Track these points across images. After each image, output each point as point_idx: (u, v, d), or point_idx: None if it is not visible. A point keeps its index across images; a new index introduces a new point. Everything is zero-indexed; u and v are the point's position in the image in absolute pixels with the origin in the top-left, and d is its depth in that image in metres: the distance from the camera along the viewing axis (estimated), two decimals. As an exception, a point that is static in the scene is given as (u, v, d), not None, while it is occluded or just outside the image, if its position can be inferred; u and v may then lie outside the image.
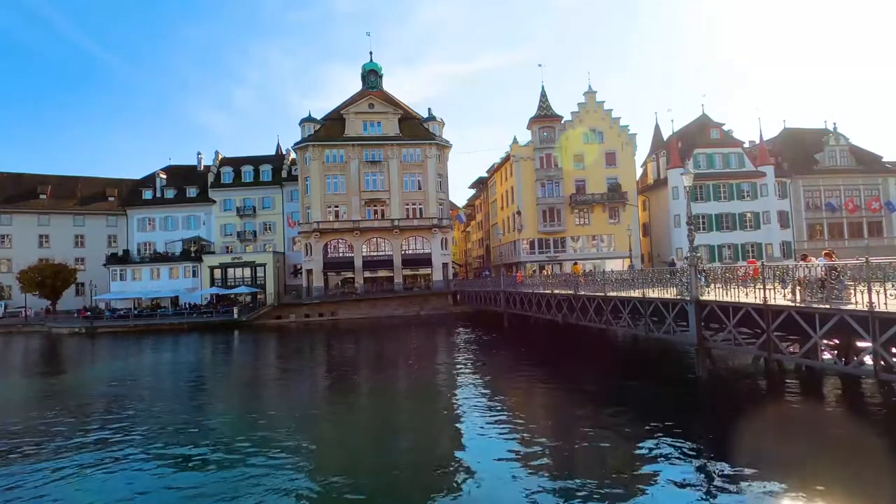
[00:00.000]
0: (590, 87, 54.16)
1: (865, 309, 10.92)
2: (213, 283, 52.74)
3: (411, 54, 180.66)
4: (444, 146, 55.84)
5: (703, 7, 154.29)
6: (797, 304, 12.81)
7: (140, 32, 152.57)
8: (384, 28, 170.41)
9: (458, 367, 23.14)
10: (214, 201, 59.27)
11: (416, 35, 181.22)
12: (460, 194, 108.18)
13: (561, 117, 53.20)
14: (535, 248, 52.78)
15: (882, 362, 10.95)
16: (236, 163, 61.26)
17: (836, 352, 14.29)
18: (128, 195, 62.19)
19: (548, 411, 15.05)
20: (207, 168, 61.88)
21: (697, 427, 12.59)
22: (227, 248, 57.79)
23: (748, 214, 52.50)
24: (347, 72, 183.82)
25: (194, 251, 54.83)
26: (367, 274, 52.58)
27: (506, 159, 57.26)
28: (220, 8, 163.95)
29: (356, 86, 60.89)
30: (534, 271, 48.30)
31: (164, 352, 33.71)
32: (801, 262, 13.88)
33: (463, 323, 40.61)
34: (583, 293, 23.19)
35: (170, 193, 60.03)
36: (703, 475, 9.49)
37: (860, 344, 13.09)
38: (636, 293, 19.64)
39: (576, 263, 30.97)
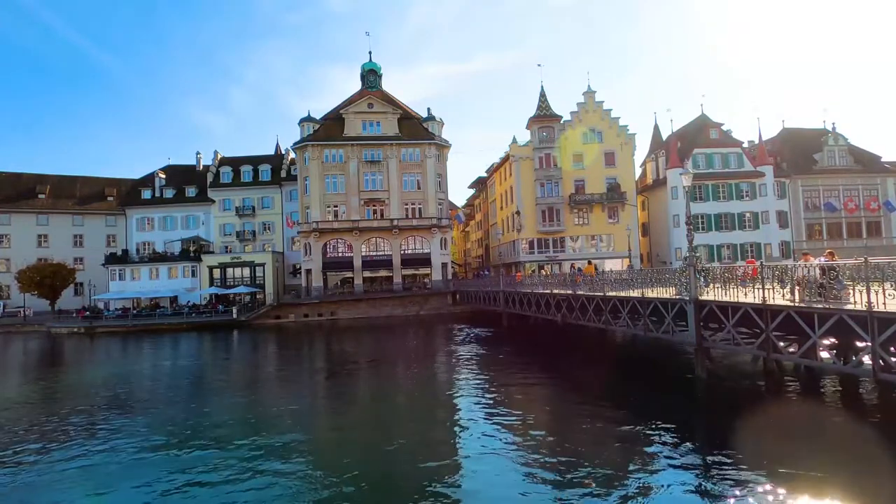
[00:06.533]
0: (589, 87, 54.20)
1: (864, 309, 10.94)
2: (212, 283, 52.68)
3: (407, 55, 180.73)
4: (444, 146, 55.82)
5: (702, 6, 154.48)
6: (796, 304, 12.82)
7: (136, 33, 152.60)
8: (379, 29, 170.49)
9: (458, 367, 23.14)
10: (213, 201, 59.24)
11: (410, 36, 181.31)
12: (460, 194, 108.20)
13: (560, 117, 53.17)
14: (534, 248, 52.77)
15: (880, 362, 10.97)
16: (235, 162, 61.20)
17: (834, 352, 14.31)
18: (127, 195, 62.11)
19: (547, 411, 15.05)
20: (206, 168, 61.81)
21: (696, 427, 12.60)
22: (227, 247, 57.74)
23: (747, 214, 52.50)
24: (343, 73, 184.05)
25: (193, 251, 54.73)
26: (367, 274, 52.56)
27: (505, 159, 57.25)
28: (216, 9, 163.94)
29: (352, 86, 61.22)
30: (533, 271, 48.29)
31: (164, 352, 33.68)
32: (802, 262, 13.89)
33: (462, 323, 40.59)
34: (582, 293, 23.19)
35: (169, 193, 59.97)
36: (701, 475, 9.50)
37: (859, 344, 13.11)
38: (635, 293, 19.65)
39: (589, 263, 31.06)
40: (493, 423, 13.44)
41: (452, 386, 19.39)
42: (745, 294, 14.66)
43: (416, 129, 55.06)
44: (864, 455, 9.78)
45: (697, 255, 18.29)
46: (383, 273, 53.20)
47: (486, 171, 68.27)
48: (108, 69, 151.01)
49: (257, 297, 50.87)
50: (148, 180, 61.65)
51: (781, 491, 8.48)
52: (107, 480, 10.40)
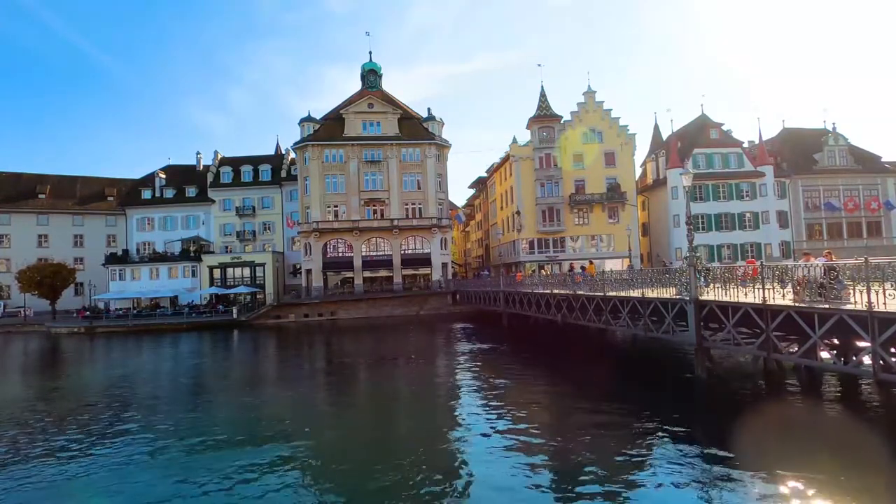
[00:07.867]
0: (589, 87, 54.19)
1: (864, 309, 10.92)
2: (212, 283, 52.72)
3: (407, 55, 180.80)
4: (444, 146, 55.83)
5: (702, 6, 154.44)
6: (796, 304, 12.81)
7: (136, 34, 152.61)
8: (379, 29, 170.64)
9: (458, 367, 23.14)
10: (214, 201, 59.24)
11: (410, 36, 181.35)
12: (460, 194, 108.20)
13: (560, 117, 53.16)
14: (534, 248, 52.77)
15: (881, 362, 10.96)
16: (235, 162, 61.22)
17: (835, 352, 14.29)
18: (127, 195, 62.13)
19: (547, 411, 15.04)
20: (207, 168, 61.82)
21: (696, 427, 12.58)
22: (227, 247, 57.76)
23: (747, 214, 52.49)
24: (343, 73, 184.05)
25: (193, 251, 54.76)
26: (367, 274, 52.57)
27: (505, 159, 57.25)
28: (216, 9, 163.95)
29: (352, 86, 61.36)
30: (533, 271, 48.26)
31: (164, 352, 33.68)
32: (803, 261, 13.88)
33: (462, 323, 40.60)
34: (582, 293, 23.18)
35: (169, 193, 59.99)
36: (701, 475, 9.49)
37: (859, 344, 13.10)
38: (635, 293, 19.64)
39: (591, 263, 31.12)
40: (494, 424, 13.43)
41: (453, 386, 19.38)
42: (746, 294, 14.64)
43: (416, 129, 55.06)
44: (864, 455, 9.77)
45: (698, 255, 18.26)
46: (383, 273, 53.21)
47: (486, 172, 68.26)
48: (107, 69, 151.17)
49: (257, 297, 50.89)
50: (148, 180, 61.65)
51: (781, 491, 8.48)
52: (107, 481, 10.39)
